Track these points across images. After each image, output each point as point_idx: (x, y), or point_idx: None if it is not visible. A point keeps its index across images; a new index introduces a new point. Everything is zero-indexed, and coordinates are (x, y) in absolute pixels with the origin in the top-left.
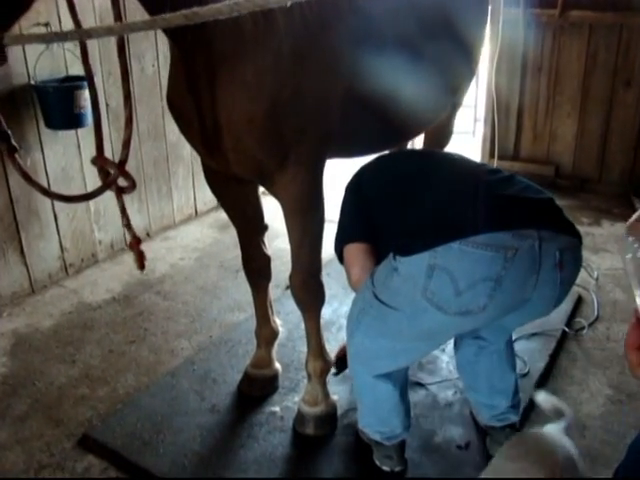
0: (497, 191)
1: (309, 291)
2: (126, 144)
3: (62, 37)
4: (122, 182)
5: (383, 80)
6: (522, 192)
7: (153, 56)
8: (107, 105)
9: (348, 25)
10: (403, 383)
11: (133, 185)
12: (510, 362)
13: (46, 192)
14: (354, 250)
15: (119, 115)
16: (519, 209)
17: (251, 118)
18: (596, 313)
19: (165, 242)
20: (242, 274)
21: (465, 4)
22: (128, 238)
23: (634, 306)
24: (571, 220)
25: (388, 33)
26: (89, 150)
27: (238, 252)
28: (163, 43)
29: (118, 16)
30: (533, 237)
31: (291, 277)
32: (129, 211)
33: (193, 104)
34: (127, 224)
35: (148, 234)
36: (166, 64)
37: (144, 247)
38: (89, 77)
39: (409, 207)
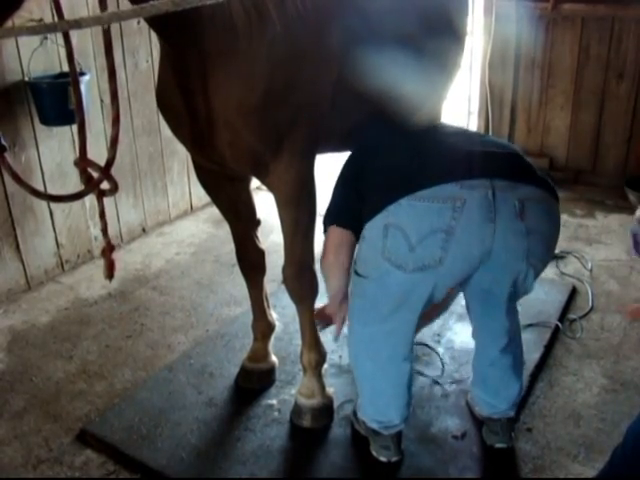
0: (448, 146)
1: (302, 282)
2: (113, 143)
3: (51, 28)
4: (105, 184)
5: (373, 71)
6: (479, 146)
7: (147, 51)
8: (102, 101)
9: (339, 16)
10: (405, 374)
11: (115, 188)
12: (518, 372)
13: (35, 192)
14: (335, 237)
15: None
16: (468, 161)
17: (246, 110)
18: (590, 304)
19: (161, 237)
20: (238, 268)
21: None
22: (124, 234)
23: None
24: (544, 175)
25: (378, 24)
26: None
27: (233, 247)
28: (155, 37)
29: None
30: (485, 186)
31: (284, 269)
32: (124, 206)
33: (185, 101)
34: (104, 229)
35: (144, 229)
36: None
37: (140, 243)
38: (73, 76)
39: (376, 176)
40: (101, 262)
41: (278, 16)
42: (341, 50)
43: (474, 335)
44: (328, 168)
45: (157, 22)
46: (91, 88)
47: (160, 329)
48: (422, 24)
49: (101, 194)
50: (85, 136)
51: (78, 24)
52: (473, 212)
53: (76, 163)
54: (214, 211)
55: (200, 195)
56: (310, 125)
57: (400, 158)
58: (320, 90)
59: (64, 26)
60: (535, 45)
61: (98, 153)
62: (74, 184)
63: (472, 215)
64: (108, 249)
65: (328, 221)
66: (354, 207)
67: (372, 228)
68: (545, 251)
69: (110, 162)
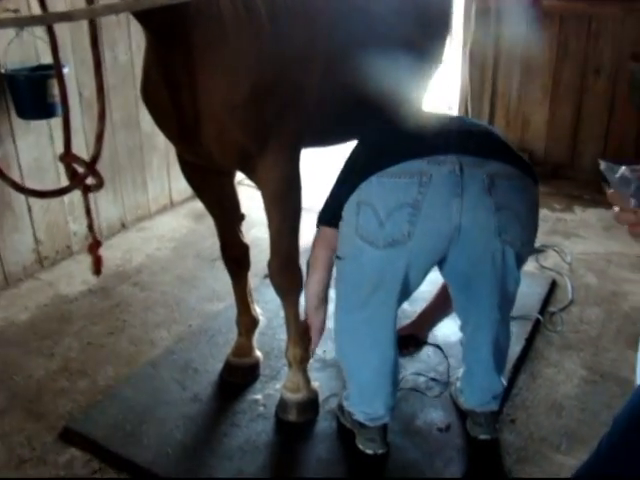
0: (422, 126)
1: (288, 277)
2: (99, 138)
3: (41, 20)
4: (90, 180)
5: (357, 67)
6: (454, 126)
7: (126, 44)
8: (80, 95)
9: (327, 12)
10: (389, 362)
11: (101, 184)
12: (503, 366)
13: (19, 187)
14: (326, 235)
15: (93, 105)
16: (437, 138)
17: (233, 105)
18: (570, 297)
19: (141, 232)
20: (219, 263)
21: None
22: (103, 230)
23: None
24: (519, 154)
25: (364, 20)
26: (62, 141)
27: (214, 241)
28: (136, 31)
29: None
30: (452, 162)
31: (270, 263)
32: (103, 202)
33: (171, 95)
34: (90, 225)
35: (123, 225)
36: (139, 52)
37: (120, 238)
38: (58, 71)
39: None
40: (81, 258)
41: (266, 11)
42: (328, 46)
43: (462, 328)
44: (314, 163)
45: (143, 15)
46: (69, 81)
47: (142, 325)
48: (407, 21)
49: (86, 189)
50: (70, 131)
51: (69, 16)
52: (439, 187)
53: (61, 158)
54: (194, 206)
55: (180, 190)
56: (296, 120)
57: (377, 141)
58: (307, 85)
59: (54, 18)
60: (514, 41)
61: (77, 148)
62: (52, 179)
63: (438, 190)
64: (95, 245)
65: (322, 220)
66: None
67: (347, 208)
68: (520, 229)
69: (96, 157)
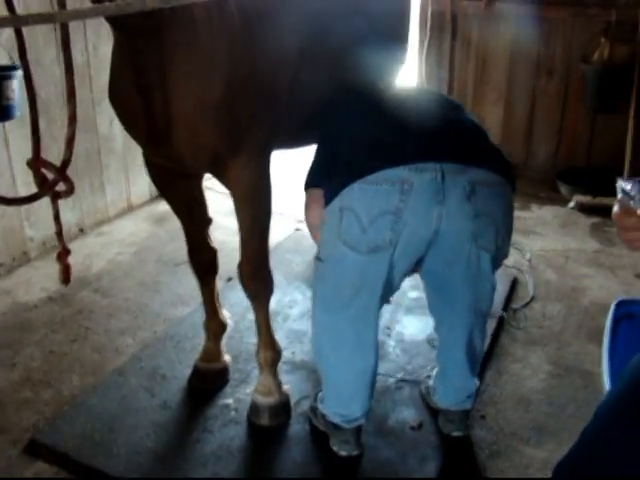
0: (404, 124)
1: (259, 280)
2: (69, 143)
3: (21, 21)
4: (60, 186)
5: (328, 66)
6: (439, 122)
7: (82, 46)
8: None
9: (297, 12)
10: (370, 365)
11: (72, 190)
12: (476, 366)
13: None
14: (316, 196)
15: (49, 107)
16: (418, 143)
17: (207, 106)
18: (531, 293)
19: (100, 237)
20: (182, 268)
21: None
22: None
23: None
24: (504, 159)
25: (331, 23)
26: (17, 145)
27: (176, 245)
28: (92, 32)
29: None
30: (434, 170)
31: (240, 266)
32: (61, 206)
33: (141, 97)
34: (59, 232)
35: (82, 230)
36: (96, 54)
37: (78, 243)
38: (26, 73)
39: (338, 159)
40: (39, 264)
41: (239, 12)
42: (299, 46)
43: (436, 329)
44: (280, 167)
45: (117, 16)
46: (24, 83)
47: (106, 332)
48: (369, 24)
49: (56, 196)
50: (39, 135)
51: (52, 17)
52: (421, 194)
53: (29, 163)
54: (154, 209)
55: (139, 193)
56: (268, 121)
57: (358, 138)
58: (278, 86)
59: (36, 19)
60: (470, 42)
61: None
62: (7, 184)
63: (420, 197)
64: (64, 253)
65: (309, 184)
66: (331, 168)
67: (330, 211)
68: (495, 234)
69: (66, 162)
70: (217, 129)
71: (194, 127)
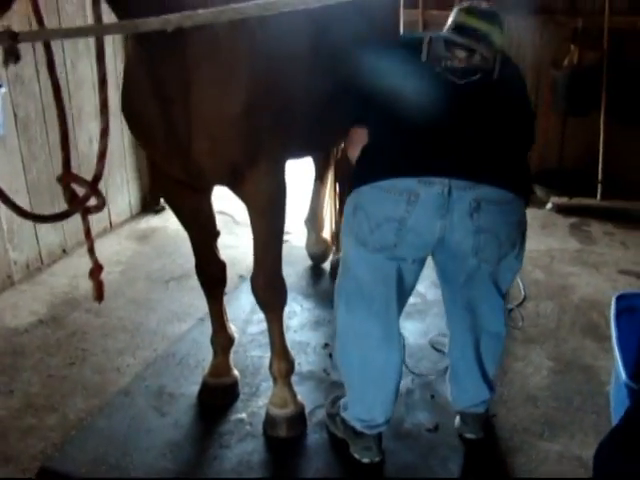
0: (420, 137)
1: (274, 291)
2: (101, 157)
3: (80, 32)
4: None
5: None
6: (459, 137)
7: (60, 61)
8: (15, 115)
9: (311, 20)
10: (394, 365)
11: (103, 204)
12: (487, 371)
13: (23, 212)
14: (356, 133)
15: (29, 126)
16: (431, 156)
17: (229, 118)
18: (523, 293)
19: (84, 257)
20: (173, 284)
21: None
22: (44, 257)
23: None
24: (521, 173)
25: (338, 29)
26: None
27: (163, 262)
28: (69, 48)
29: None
30: (443, 184)
31: (254, 278)
32: (43, 227)
33: (161, 110)
34: (90, 248)
35: (64, 250)
36: (73, 69)
37: (62, 264)
38: (56, 88)
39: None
40: (24, 287)
41: (259, 22)
42: (313, 54)
43: (447, 325)
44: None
45: None
46: (4, 102)
47: (104, 352)
48: (371, 31)
49: (86, 211)
50: (69, 150)
51: (91, 31)
52: (426, 207)
53: (59, 179)
54: (135, 227)
55: (119, 211)
56: (285, 131)
57: (381, 135)
58: (295, 95)
59: (69, 33)
60: None
61: (13, 171)
62: None
63: (424, 210)
64: (97, 269)
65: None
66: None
67: (348, 205)
68: (498, 249)
69: (98, 177)
70: (238, 140)
71: (215, 138)
